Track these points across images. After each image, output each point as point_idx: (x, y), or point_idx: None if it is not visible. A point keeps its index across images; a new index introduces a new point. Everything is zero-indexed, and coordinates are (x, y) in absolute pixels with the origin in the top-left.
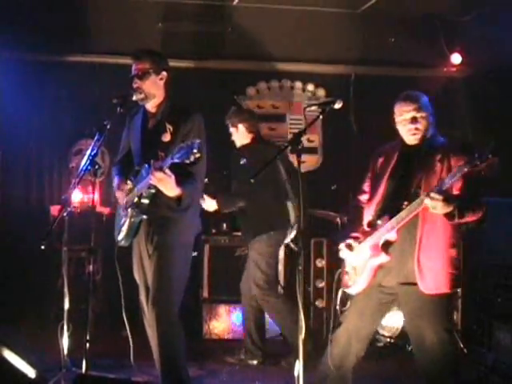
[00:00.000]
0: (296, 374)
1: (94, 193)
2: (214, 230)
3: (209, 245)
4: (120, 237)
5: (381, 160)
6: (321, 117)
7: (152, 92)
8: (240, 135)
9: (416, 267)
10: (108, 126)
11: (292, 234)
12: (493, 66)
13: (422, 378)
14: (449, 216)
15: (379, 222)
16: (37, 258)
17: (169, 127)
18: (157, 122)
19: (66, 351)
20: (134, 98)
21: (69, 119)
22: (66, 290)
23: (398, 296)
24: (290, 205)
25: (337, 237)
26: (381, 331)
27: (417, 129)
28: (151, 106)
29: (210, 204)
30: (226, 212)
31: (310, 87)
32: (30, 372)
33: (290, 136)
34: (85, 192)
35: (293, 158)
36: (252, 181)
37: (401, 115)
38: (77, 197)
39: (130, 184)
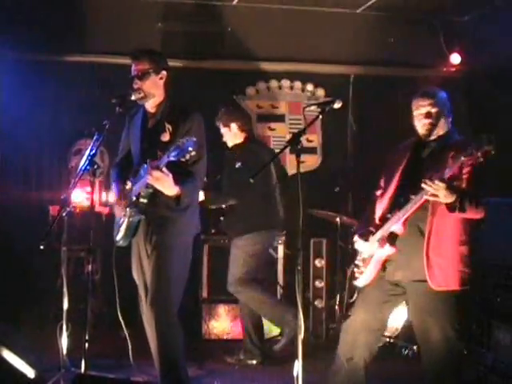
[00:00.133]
0: (295, 374)
1: (93, 193)
2: (213, 230)
3: (208, 245)
4: (118, 237)
5: (396, 156)
6: (320, 117)
7: (152, 92)
8: (232, 134)
9: (425, 263)
10: (107, 126)
11: (281, 237)
12: (492, 66)
13: (421, 378)
14: (450, 207)
15: (389, 215)
16: (36, 257)
17: (168, 127)
18: (156, 122)
19: (65, 351)
20: (133, 97)
21: (68, 119)
22: (65, 289)
23: (406, 291)
24: (278, 208)
25: (353, 231)
26: None
27: (431, 124)
28: (151, 105)
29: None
30: (213, 208)
31: (310, 87)
32: (29, 372)
33: (289, 136)
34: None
35: (292, 158)
36: (252, 181)
37: (417, 109)
38: (79, 196)
39: (129, 184)
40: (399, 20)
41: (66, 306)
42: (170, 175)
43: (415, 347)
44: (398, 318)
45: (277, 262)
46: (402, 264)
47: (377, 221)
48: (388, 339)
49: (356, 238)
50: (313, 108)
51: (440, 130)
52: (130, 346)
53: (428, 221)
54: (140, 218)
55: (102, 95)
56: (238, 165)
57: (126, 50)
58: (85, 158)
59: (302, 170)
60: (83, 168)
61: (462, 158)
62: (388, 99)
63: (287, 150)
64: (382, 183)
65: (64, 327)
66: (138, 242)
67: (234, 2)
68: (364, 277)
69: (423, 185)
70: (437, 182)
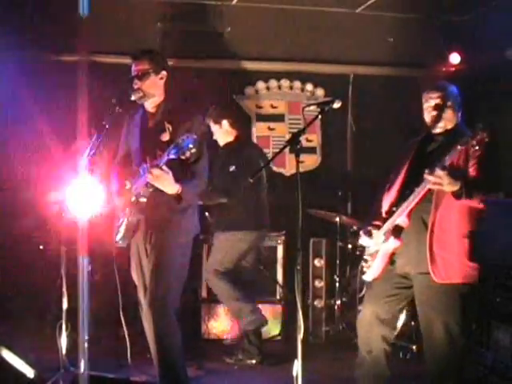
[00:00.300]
0: (294, 374)
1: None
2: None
3: (207, 244)
4: (118, 237)
5: (405, 150)
6: (319, 116)
7: (152, 92)
8: (223, 132)
9: (428, 255)
10: (106, 126)
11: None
12: (491, 65)
13: (422, 378)
14: (456, 194)
15: (394, 208)
16: (35, 257)
17: (168, 127)
18: (156, 122)
19: (64, 351)
20: (133, 97)
21: (67, 119)
22: (64, 289)
23: (413, 284)
24: (266, 208)
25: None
26: None
27: (439, 116)
28: (151, 105)
29: None
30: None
31: (309, 87)
32: (29, 372)
33: (288, 136)
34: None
35: (292, 158)
36: (251, 181)
37: (426, 102)
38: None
39: (128, 184)
40: (399, 20)
41: (65, 305)
42: (170, 173)
43: (414, 347)
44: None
45: (276, 262)
46: (407, 256)
47: (383, 214)
48: None
49: (360, 233)
50: (312, 108)
51: (448, 124)
52: (128, 346)
53: (432, 213)
54: (139, 217)
55: (102, 95)
56: (232, 168)
57: (125, 49)
58: (84, 157)
59: (301, 169)
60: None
61: (458, 147)
62: (387, 99)
63: (286, 150)
64: (391, 178)
65: (63, 327)
66: (137, 242)
67: (234, 2)
68: (372, 271)
69: (425, 175)
70: (437, 170)
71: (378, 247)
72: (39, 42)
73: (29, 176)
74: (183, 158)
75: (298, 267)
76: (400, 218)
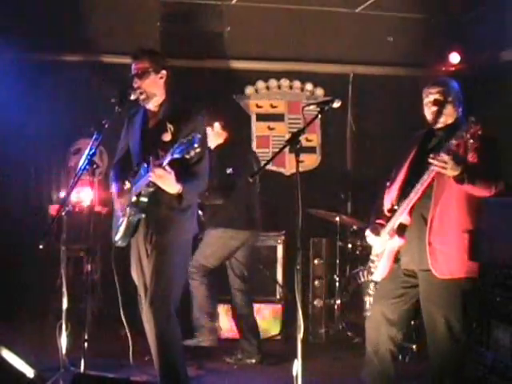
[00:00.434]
0: (294, 373)
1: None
2: None
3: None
4: (117, 237)
5: (406, 147)
6: (319, 116)
7: (152, 91)
8: (215, 134)
9: (427, 251)
10: (106, 126)
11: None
12: (491, 65)
13: (421, 378)
14: (458, 179)
15: (396, 207)
16: (35, 257)
17: (170, 126)
18: (158, 122)
19: (64, 351)
20: (133, 97)
21: (67, 119)
22: (64, 289)
23: (419, 282)
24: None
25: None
26: None
27: (438, 111)
28: (153, 105)
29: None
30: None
31: (309, 86)
32: (29, 372)
33: (288, 135)
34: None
35: (291, 157)
36: (251, 180)
37: (426, 97)
38: (87, 195)
39: (128, 184)
40: (399, 19)
41: (65, 305)
42: (173, 173)
43: (414, 346)
44: None
45: (276, 262)
46: (410, 254)
47: (386, 212)
48: None
49: (367, 232)
50: (312, 107)
51: (448, 119)
52: (130, 346)
53: (431, 209)
54: (140, 217)
55: (102, 95)
56: (229, 170)
57: (125, 49)
58: (84, 157)
59: (301, 169)
60: (82, 167)
61: (453, 141)
62: (387, 98)
63: (286, 150)
64: (392, 175)
65: (63, 327)
66: (137, 242)
67: (233, 2)
68: (379, 271)
69: (430, 159)
70: (442, 154)
71: (383, 247)
72: (39, 42)
73: (29, 176)
74: (187, 157)
75: (298, 267)
76: (402, 216)
